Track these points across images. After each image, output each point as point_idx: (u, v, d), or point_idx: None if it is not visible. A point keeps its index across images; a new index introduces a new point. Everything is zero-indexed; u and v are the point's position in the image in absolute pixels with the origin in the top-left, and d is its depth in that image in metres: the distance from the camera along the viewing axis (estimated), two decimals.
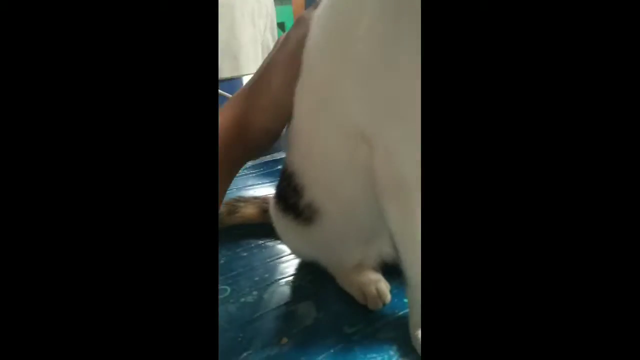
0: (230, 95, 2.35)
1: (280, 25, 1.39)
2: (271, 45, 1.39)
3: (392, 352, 0.41)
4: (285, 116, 0.42)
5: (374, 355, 0.41)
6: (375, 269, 0.51)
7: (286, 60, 0.40)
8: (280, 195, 0.47)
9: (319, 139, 0.40)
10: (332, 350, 0.42)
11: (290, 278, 0.55)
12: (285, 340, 0.44)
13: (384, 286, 0.49)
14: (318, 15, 0.38)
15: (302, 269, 0.57)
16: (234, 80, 2.36)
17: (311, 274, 0.55)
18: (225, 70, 1.33)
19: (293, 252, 0.57)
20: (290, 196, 0.44)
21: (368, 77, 0.32)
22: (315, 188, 0.43)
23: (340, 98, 0.35)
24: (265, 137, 0.43)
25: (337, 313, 0.48)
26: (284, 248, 0.61)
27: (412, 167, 0.32)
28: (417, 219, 0.34)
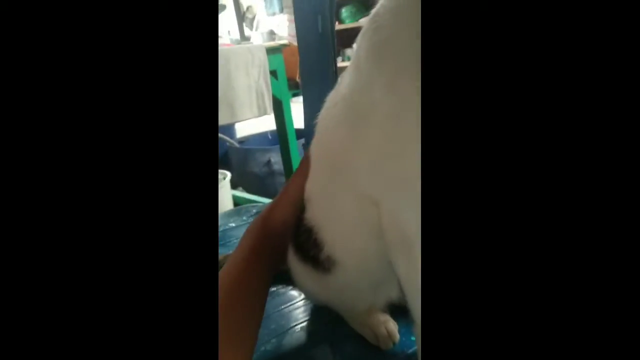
0: (229, 139, 2.37)
1: (273, 73, 1.46)
2: (265, 92, 1.47)
3: None
4: (297, 210, 0.52)
5: None
6: (384, 311, 0.56)
7: (301, 174, 0.52)
8: (299, 246, 0.52)
9: (335, 200, 0.45)
10: None
11: (305, 324, 0.59)
12: None
13: (393, 326, 0.53)
14: (331, 97, 0.45)
15: (315, 313, 0.61)
16: (230, 127, 2.43)
17: (324, 318, 0.59)
18: (222, 118, 1.39)
19: (308, 297, 0.61)
20: (310, 248, 0.49)
21: (377, 156, 0.37)
22: (333, 242, 0.47)
23: (353, 169, 0.41)
24: (283, 228, 0.53)
25: (351, 355, 0.52)
26: (295, 294, 0.65)
27: (414, 227, 0.37)
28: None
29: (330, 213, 0.47)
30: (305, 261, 0.52)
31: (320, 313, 0.60)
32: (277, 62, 1.47)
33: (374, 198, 0.39)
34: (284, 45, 1.52)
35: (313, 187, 0.50)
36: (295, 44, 1.40)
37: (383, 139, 0.36)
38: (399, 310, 0.55)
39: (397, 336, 0.52)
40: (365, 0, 3.36)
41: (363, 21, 0.38)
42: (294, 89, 1.88)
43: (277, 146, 1.78)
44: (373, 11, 0.35)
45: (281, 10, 3.59)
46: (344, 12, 3.52)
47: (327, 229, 0.47)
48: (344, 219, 0.45)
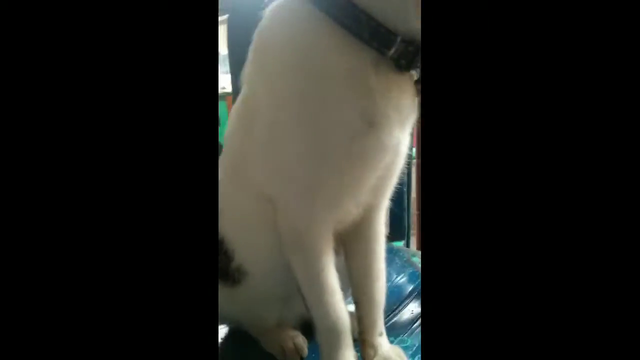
0: None
1: None
2: None
3: None
4: None
5: None
6: (295, 327, 0.56)
7: None
8: None
9: (239, 206, 0.47)
10: None
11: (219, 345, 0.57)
12: None
13: (301, 340, 0.53)
14: (234, 107, 0.48)
15: (225, 338, 0.60)
16: None
17: (236, 340, 0.58)
18: None
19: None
20: (220, 260, 0.49)
21: (262, 148, 0.41)
22: (241, 251, 0.48)
23: (248, 167, 0.43)
24: None
25: None
26: None
27: (304, 221, 0.40)
28: (315, 267, 0.41)
29: (237, 221, 0.48)
30: None
31: (233, 336, 0.59)
32: (220, 108, 1.53)
33: (267, 194, 0.42)
34: (228, 94, 1.59)
35: (221, 198, 0.51)
36: None
37: (265, 130, 0.40)
38: (311, 328, 0.55)
39: (305, 350, 0.52)
40: None
41: None
42: None
43: None
44: (257, 30, 0.41)
45: None
46: None
47: (236, 238, 0.49)
48: (249, 225, 0.47)
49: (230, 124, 0.48)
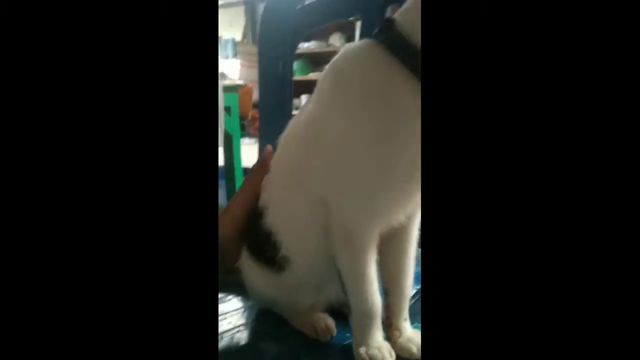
0: None
1: (227, 109, 1.56)
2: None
3: None
4: (238, 228, 0.61)
5: None
6: (323, 311, 0.64)
7: (244, 192, 0.61)
8: (255, 249, 0.60)
9: (291, 204, 0.55)
10: None
11: (252, 324, 0.65)
12: None
13: (331, 322, 0.61)
14: (293, 121, 0.55)
15: (260, 316, 0.67)
16: None
17: (268, 320, 0.66)
18: None
19: (255, 297, 0.67)
20: (268, 250, 0.57)
21: (330, 163, 0.48)
22: (288, 243, 0.56)
23: (309, 175, 0.51)
24: (229, 243, 0.60)
25: (294, 347, 0.59)
26: (239, 304, 0.71)
27: (356, 224, 0.48)
28: (360, 262, 0.49)
29: (287, 217, 0.56)
30: (259, 262, 0.60)
31: (264, 315, 0.67)
32: (232, 99, 1.58)
33: (324, 199, 0.50)
34: (240, 86, 1.64)
35: (272, 195, 0.59)
36: (249, 84, 1.50)
37: (336, 149, 0.47)
38: (335, 311, 0.64)
39: (335, 330, 0.60)
40: (314, 56, 3.66)
41: (312, 75, 0.50)
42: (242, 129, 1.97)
43: (222, 182, 1.84)
44: (335, 57, 0.48)
45: (234, 55, 3.77)
46: (295, 65, 3.77)
47: (284, 231, 0.56)
48: (298, 221, 0.55)
49: (290, 132, 0.56)
